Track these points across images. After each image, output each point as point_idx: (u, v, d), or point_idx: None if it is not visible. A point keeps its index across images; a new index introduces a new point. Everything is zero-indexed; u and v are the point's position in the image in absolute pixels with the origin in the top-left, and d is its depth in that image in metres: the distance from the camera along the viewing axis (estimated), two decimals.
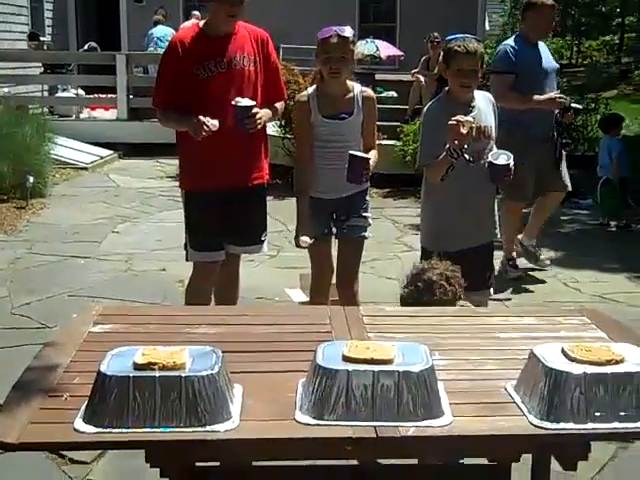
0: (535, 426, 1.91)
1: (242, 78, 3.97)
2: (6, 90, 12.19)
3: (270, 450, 1.93)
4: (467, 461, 2.61)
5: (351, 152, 3.81)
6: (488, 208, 4.00)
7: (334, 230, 4.16)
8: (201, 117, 3.75)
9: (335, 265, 4.21)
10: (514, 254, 6.41)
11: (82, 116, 13.21)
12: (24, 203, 8.59)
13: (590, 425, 1.90)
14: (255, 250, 4.39)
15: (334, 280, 4.26)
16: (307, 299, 4.89)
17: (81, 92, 13.57)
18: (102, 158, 11.56)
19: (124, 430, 1.87)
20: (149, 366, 1.94)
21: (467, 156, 3.67)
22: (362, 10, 17.73)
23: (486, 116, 3.87)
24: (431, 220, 4.00)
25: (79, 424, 1.89)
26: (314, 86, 4.06)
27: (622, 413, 1.91)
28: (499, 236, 4.10)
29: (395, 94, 11.55)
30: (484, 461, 2.56)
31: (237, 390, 2.06)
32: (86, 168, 10.95)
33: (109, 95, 13.00)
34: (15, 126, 9.32)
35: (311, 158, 4.05)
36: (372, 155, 4.00)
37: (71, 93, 13.59)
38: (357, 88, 4.05)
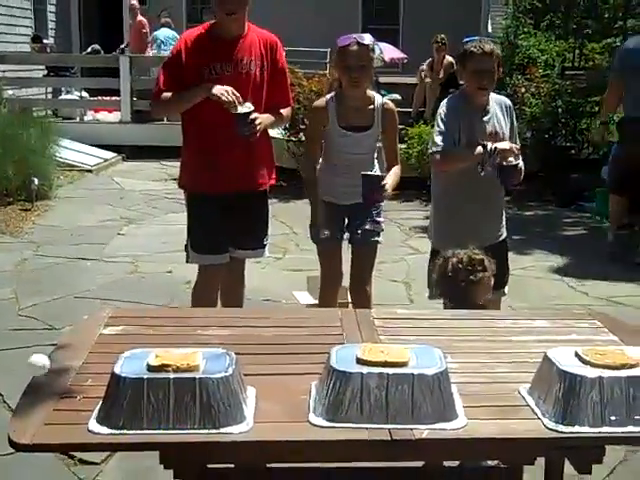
0: (550, 429, 1.90)
1: (248, 82, 3.94)
2: (10, 93, 12.19)
3: (284, 452, 1.92)
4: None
5: (363, 173, 3.75)
6: (498, 209, 4.00)
7: (346, 235, 4.14)
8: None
9: (350, 269, 4.19)
10: None
11: (86, 118, 13.22)
12: (29, 205, 8.60)
13: (605, 429, 1.89)
14: (256, 255, 4.37)
15: (342, 283, 4.26)
16: (314, 302, 4.89)
17: (85, 94, 13.59)
18: (106, 160, 11.57)
19: (138, 432, 1.87)
20: (163, 368, 1.93)
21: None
22: (365, 12, 17.77)
23: (499, 121, 3.85)
24: (442, 221, 3.99)
25: (93, 425, 1.89)
26: (332, 93, 3.99)
27: (637, 417, 1.91)
28: (505, 235, 4.08)
29: (399, 97, 11.54)
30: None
31: (250, 392, 2.06)
32: (90, 170, 10.96)
33: (113, 97, 13.02)
34: (20, 128, 9.33)
35: (319, 159, 4.04)
36: (392, 174, 3.95)
37: (75, 96, 13.60)
38: (378, 100, 3.99)
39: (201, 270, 4.22)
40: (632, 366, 1.96)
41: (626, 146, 6.86)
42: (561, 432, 1.89)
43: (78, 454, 3.55)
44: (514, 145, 3.71)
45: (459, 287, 3.15)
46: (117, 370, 1.93)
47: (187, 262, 4.28)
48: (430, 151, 3.83)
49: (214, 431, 1.88)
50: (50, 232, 7.72)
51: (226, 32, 3.95)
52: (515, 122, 4.02)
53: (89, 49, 14.32)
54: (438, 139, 3.76)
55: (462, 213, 3.84)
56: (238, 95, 3.74)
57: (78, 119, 13.05)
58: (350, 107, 3.93)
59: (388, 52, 14.23)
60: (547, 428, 1.91)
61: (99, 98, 13.50)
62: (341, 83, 3.93)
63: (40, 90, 13.84)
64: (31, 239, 7.46)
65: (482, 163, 3.64)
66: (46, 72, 13.80)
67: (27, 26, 14.10)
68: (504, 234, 4.05)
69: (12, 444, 1.85)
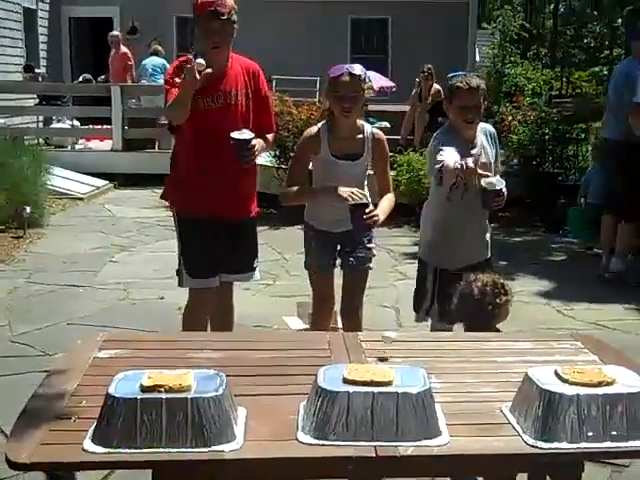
0: (530, 446, 1.98)
1: (236, 112, 4.03)
2: (1, 121, 12.29)
3: (273, 470, 1.99)
4: None
5: (350, 203, 3.78)
6: (485, 228, 4.12)
7: (338, 261, 4.19)
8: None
9: (341, 294, 4.24)
10: None
11: (77, 147, 13.31)
12: (22, 233, 8.65)
13: (583, 444, 1.97)
14: (247, 278, 4.42)
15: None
16: (305, 327, 4.96)
17: (76, 123, 13.68)
18: (98, 188, 11.64)
19: (132, 450, 1.93)
20: (156, 388, 2.00)
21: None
22: (354, 42, 17.95)
23: (486, 150, 3.95)
24: (430, 238, 4.10)
25: (88, 445, 1.96)
26: (324, 121, 4.06)
27: (614, 433, 1.98)
28: (489, 255, 4.17)
29: (388, 125, 11.68)
30: None
31: (241, 412, 2.12)
32: (82, 198, 11.03)
33: (104, 126, 13.11)
34: (11, 157, 9.40)
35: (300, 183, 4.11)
36: (385, 201, 4.02)
37: (66, 124, 13.70)
38: (367, 129, 4.06)
39: (192, 293, 4.28)
40: (608, 384, 2.04)
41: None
42: (540, 448, 1.96)
43: (77, 474, 3.60)
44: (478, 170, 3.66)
45: (484, 309, 3.20)
46: (111, 391, 2.00)
47: (179, 286, 4.33)
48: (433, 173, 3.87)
49: (205, 449, 1.95)
50: (42, 260, 7.77)
51: (212, 64, 4.03)
52: (498, 148, 4.13)
53: (80, 78, 14.42)
54: (430, 173, 3.93)
55: (449, 235, 3.94)
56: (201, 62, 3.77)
57: (70, 147, 13.14)
58: (341, 136, 4.00)
59: (377, 81, 14.41)
60: (527, 444, 1.99)
61: (91, 126, 13.59)
62: (332, 112, 4.01)
63: (32, 119, 13.94)
64: (23, 267, 7.50)
65: (455, 182, 3.70)
66: (38, 101, 13.89)
67: (19, 55, 14.22)
68: (488, 254, 4.14)
69: (10, 463, 1.91)
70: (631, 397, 2.00)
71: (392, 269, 7.48)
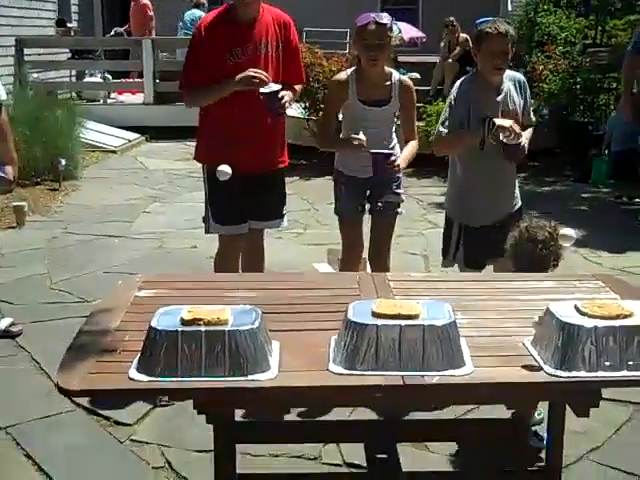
0: (550, 375, 2.08)
1: (266, 63, 4.08)
2: (35, 76, 12.41)
3: (306, 398, 2.11)
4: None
5: (261, 90, 3.87)
6: (511, 185, 4.13)
7: (367, 207, 4.27)
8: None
9: (370, 240, 4.32)
10: None
11: (109, 101, 13.43)
12: (57, 185, 8.83)
13: (601, 373, 2.06)
14: (275, 225, 4.52)
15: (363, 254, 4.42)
16: (334, 272, 5.06)
17: (108, 77, 13.78)
18: (130, 141, 11.78)
19: (174, 379, 2.06)
20: (195, 322, 2.12)
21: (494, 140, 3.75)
22: None
23: (513, 98, 3.95)
24: (457, 196, 4.11)
25: (133, 374, 2.08)
26: (353, 68, 4.13)
27: (630, 362, 2.07)
28: (519, 204, 4.19)
29: (418, 75, 11.64)
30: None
31: (275, 345, 2.24)
32: (115, 151, 11.19)
33: (136, 79, 13.20)
34: (46, 111, 9.55)
35: (334, 130, 4.17)
36: (408, 147, 4.11)
37: (98, 78, 13.81)
38: (395, 76, 4.12)
39: (221, 240, 4.39)
40: (626, 316, 2.13)
41: None
42: (560, 377, 2.06)
43: (113, 415, 3.78)
44: (513, 124, 3.73)
45: (544, 258, 3.23)
46: (154, 324, 2.12)
47: (206, 233, 4.43)
48: (431, 138, 3.97)
49: (242, 378, 2.07)
50: (78, 211, 7.95)
51: (242, 16, 4.09)
52: (529, 98, 4.11)
53: (112, 32, 14.50)
54: (441, 125, 3.91)
55: (477, 188, 3.97)
56: (263, 72, 3.91)
57: (102, 101, 13.26)
58: (368, 83, 4.06)
59: (407, 32, 14.33)
60: (547, 374, 2.09)
61: (122, 80, 13.69)
62: (360, 60, 4.07)
63: (65, 73, 14.06)
64: (59, 218, 7.69)
65: (482, 137, 3.74)
66: (70, 55, 14.00)
67: (51, 10, 14.29)
68: (519, 203, 4.18)
69: (61, 390, 2.05)
70: None
71: (421, 217, 7.56)
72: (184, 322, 2.13)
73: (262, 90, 3.90)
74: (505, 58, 3.84)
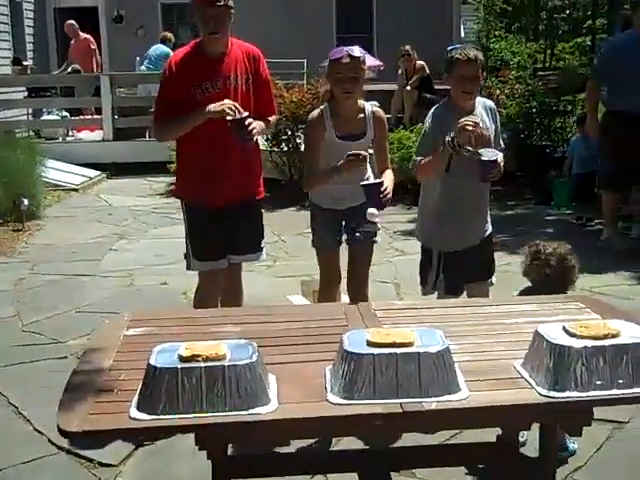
0: (543, 396, 2.13)
1: (236, 96, 4.11)
2: None
3: (308, 429, 2.14)
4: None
5: (362, 183, 3.87)
6: (483, 207, 4.19)
7: (344, 237, 4.29)
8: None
9: (347, 270, 4.33)
10: None
11: (68, 138, 13.37)
12: (20, 225, 8.75)
13: (592, 393, 2.13)
14: (254, 258, 4.55)
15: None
16: (309, 304, 5.09)
17: (65, 114, 13.73)
18: (91, 179, 11.72)
19: (175, 416, 2.08)
20: (194, 358, 2.14)
21: (465, 151, 3.77)
22: (339, 21, 18.02)
23: (486, 124, 4.01)
24: (430, 223, 4.16)
25: (135, 413, 2.10)
26: (325, 104, 4.16)
27: (620, 381, 2.14)
28: (490, 230, 4.25)
29: (377, 103, 11.80)
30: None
31: (271, 378, 2.27)
32: (76, 189, 11.11)
33: (94, 116, 13.17)
34: (6, 150, 9.48)
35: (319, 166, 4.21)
36: (387, 177, 4.08)
37: (56, 116, 13.75)
38: (368, 108, 4.16)
39: (202, 276, 4.40)
40: (614, 336, 2.20)
41: (614, 139, 7.08)
42: (553, 397, 2.12)
43: (96, 457, 3.75)
44: (469, 120, 3.76)
45: (560, 275, 3.50)
46: (152, 362, 2.14)
47: (188, 269, 4.44)
48: (410, 166, 4.03)
49: (244, 412, 2.09)
50: (43, 251, 7.88)
51: (211, 51, 4.14)
52: (499, 124, 4.20)
53: (69, 69, 14.46)
54: (416, 154, 4.00)
55: (450, 212, 4.03)
56: (234, 103, 3.95)
57: (61, 139, 13.20)
58: (344, 117, 4.10)
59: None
60: (541, 395, 2.14)
61: (81, 117, 13.64)
62: (332, 94, 4.13)
63: (22, 111, 13.98)
64: (25, 258, 7.61)
65: (450, 153, 3.77)
66: (27, 94, 13.93)
67: (6, 49, 14.25)
68: (489, 229, 4.25)
69: (62, 433, 2.05)
70: (635, 347, 2.17)
71: (388, 246, 7.61)
72: (182, 359, 2.15)
73: (228, 117, 3.92)
74: (476, 83, 3.93)
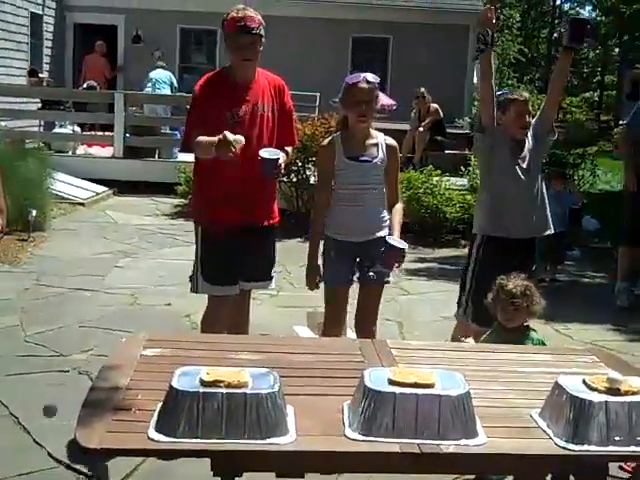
0: (562, 447, 2.14)
1: (262, 124, 4.18)
2: (3, 124, 12.38)
3: (324, 462, 2.14)
4: None
5: (260, 152, 3.96)
6: (542, 201, 4.55)
7: (357, 275, 4.28)
8: (226, 134, 3.85)
9: (357, 307, 4.34)
10: None
11: (78, 152, 13.42)
12: (26, 236, 8.76)
13: (611, 448, 2.14)
14: (265, 285, 4.55)
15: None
16: (315, 337, 5.07)
17: (77, 129, 13.80)
18: (98, 194, 11.75)
19: (194, 440, 2.08)
20: (215, 383, 2.15)
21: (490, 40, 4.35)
22: (354, 60, 18.15)
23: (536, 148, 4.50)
24: (489, 210, 4.53)
25: (153, 434, 2.10)
26: (337, 133, 4.23)
27: (638, 438, 2.15)
28: (552, 230, 4.63)
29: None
30: None
31: (289, 410, 2.27)
32: (83, 203, 11.14)
33: (106, 132, 13.23)
34: (17, 160, 9.51)
35: (329, 203, 4.24)
36: (396, 215, 4.22)
37: (68, 129, 13.81)
38: (381, 137, 4.22)
39: (211, 300, 4.38)
40: (634, 393, 2.21)
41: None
42: (571, 450, 2.13)
43: (96, 473, 3.73)
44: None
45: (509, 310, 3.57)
46: (174, 384, 2.15)
47: (193, 292, 4.39)
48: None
49: (262, 441, 2.10)
50: (48, 263, 7.88)
51: (242, 77, 4.20)
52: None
53: (85, 84, 14.57)
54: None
55: (508, 202, 4.44)
56: (241, 139, 3.92)
57: (70, 152, 13.24)
58: (357, 142, 4.15)
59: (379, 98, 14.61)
60: (558, 446, 2.15)
61: (93, 133, 13.70)
62: (346, 122, 4.18)
63: (34, 122, 14.05)
64: (30, 269, 7.61)
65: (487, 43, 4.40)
66: (41, 105, 14.01)
67: (23, 59, 14.35)
68: (551, 228, 4.62)
69: (82, 449, 2.05)
70: None
71: (394, 285, 7.59)
72: (204, 383, 2.16)
73: (262, 155, 3.96)
74: (530, 118, 4.45)
